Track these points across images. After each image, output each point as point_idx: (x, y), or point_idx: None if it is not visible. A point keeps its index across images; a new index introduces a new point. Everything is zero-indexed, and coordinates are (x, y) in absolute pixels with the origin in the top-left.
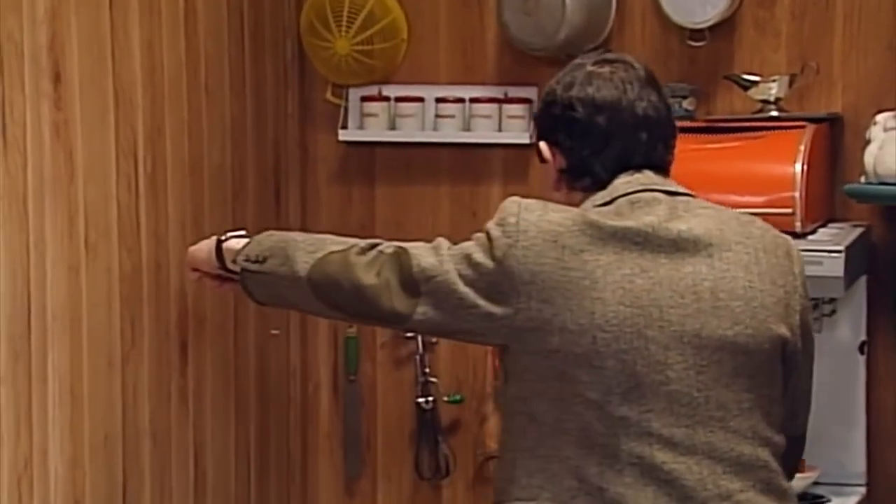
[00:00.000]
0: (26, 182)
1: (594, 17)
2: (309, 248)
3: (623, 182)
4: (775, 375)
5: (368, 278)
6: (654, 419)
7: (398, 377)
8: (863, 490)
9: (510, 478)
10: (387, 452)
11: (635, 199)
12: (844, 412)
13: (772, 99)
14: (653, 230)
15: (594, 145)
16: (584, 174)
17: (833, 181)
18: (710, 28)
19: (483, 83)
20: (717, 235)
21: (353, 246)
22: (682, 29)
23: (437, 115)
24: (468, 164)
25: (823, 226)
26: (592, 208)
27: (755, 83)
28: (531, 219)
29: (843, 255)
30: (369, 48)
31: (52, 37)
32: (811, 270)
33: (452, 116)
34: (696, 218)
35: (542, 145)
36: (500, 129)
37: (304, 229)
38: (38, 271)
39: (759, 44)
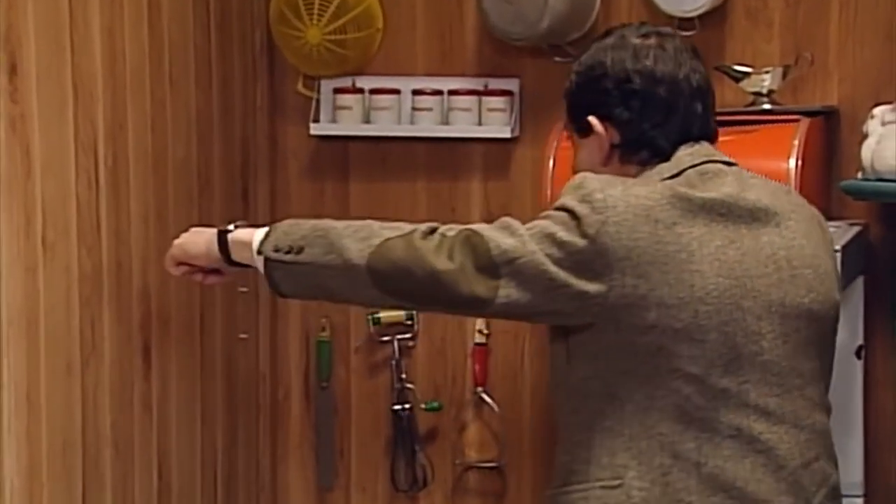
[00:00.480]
0: None
1: (578, 4)
2: (358, 235)
3: (686, 154)
4: (832, 343)
5: (442, 263)
6: (752, 390)
7: (373, 383)
8: (860, 500)
9: (586, 458)
10: (361, 462)
11: (703, 170)
12: (841, 419)
13: (764, 91)
14: (734, 201)
15: (655, 118)
16: (642, 147)
17: (829, 178)
18: (700, 17)
19: (462, 74)
20: (778, 205)
21: (412, 230)
22: (670, 17)
23: (414, 108)
24: (447, 159)
25: None
26: (660, 181)
27: (747, 75)
28: (616, 194)
29: (839, 254)
30: (342, 37)
31: (7, 27)
32: None
33: (430, 109)
34: (755, 188)
35: (593, 120)
36: (480, 123)
37: None
38: None
39: (751, 33)
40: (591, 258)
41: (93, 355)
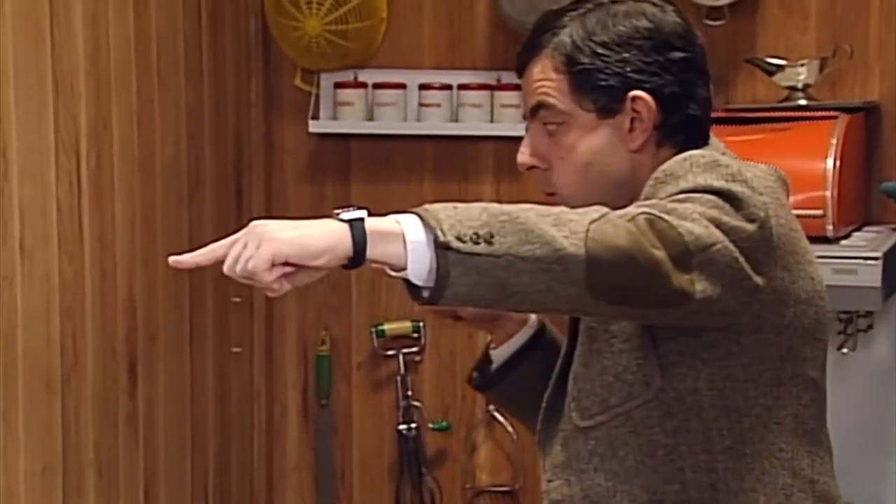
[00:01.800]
0: None
1: None
2: (552, 220)
3: (714, 137)
4: None
5: (657, 252)
6: None
7: (377, 401)
8: None
9: (710, 484)
10: (364, 486)
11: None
12: (880, 440)
13: (800, 86)
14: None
15: (697, 91)
16: (684, 126)
17: (868, 179)
18: (731, 6)
19: (473, 68)
20: None
21: (607, 213)
22: (698, 7)
23: (421, 104)
24: (456, 158)
25: (858, 229)
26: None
27: (781, 68)
28: (747, 170)
29: (880, 262)
30: (343, 28)
31: None
32: (844, 280)
33: (438, 105)
34: None
35: (644, 95)
36: (491, 120)
37: None
38: None
39: (785, 24)
40: (757, 245)
41: (74, 371)
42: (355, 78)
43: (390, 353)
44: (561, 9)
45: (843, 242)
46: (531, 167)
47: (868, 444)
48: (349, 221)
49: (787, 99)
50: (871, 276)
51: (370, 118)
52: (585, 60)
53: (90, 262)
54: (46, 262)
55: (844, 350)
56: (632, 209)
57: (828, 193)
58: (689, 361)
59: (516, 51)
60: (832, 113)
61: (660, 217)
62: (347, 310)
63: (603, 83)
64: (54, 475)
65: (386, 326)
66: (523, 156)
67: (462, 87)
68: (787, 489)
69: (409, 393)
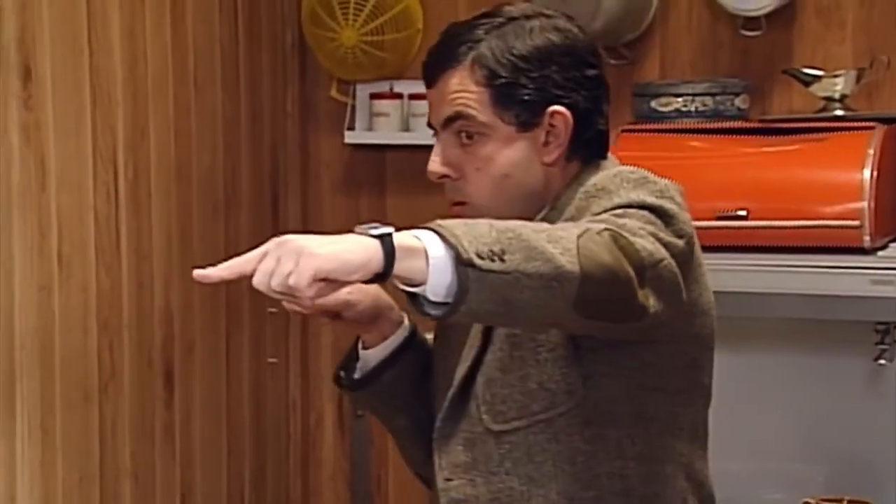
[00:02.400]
0: None
1: (634, 3)
2: (546, 237)
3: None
4: None
5: (628, 268)
6: None
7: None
8: None
9: (622, 490)
10: (400, 496)
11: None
12: None
13: (836, 96)
14: None
15: (603, 106)
16: (594, 140)
17: None
18: (767, 16)
19: None
20: None
21: (586, 230)
22: (734, 17)
23: None
24: None
25: (895, 240)
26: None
27: (818, 78)
28: (668, 186)
29: None
30: (380, 39)
31: (21, 28)
32: (881, 291)
33: None
34: None
35: (561, 109)
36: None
37: None
38: (4, 291)
39: (822, 34)
40: (685, 260)
41: (111, 381)
42: (391, 89)
43: None
44: (471, 21)
45: (880, 253)
46: (443, 176)
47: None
48: (380, 237)
49: (823, 109)
50: None
51: (406, 129)
52: (507, 75)
53: (127, 273)
54: (84, 273)
55: (882, 361)
56: (592, 224)
57: (865, 204)
58: (609, 371)
59: (424, 61)
60: (869, 123)
61: (620, 233)
62: None
63: (525, 97)
64: (91, 485)
65: None
66: (435, 164)
67: None
68: (684, 492)
69: None
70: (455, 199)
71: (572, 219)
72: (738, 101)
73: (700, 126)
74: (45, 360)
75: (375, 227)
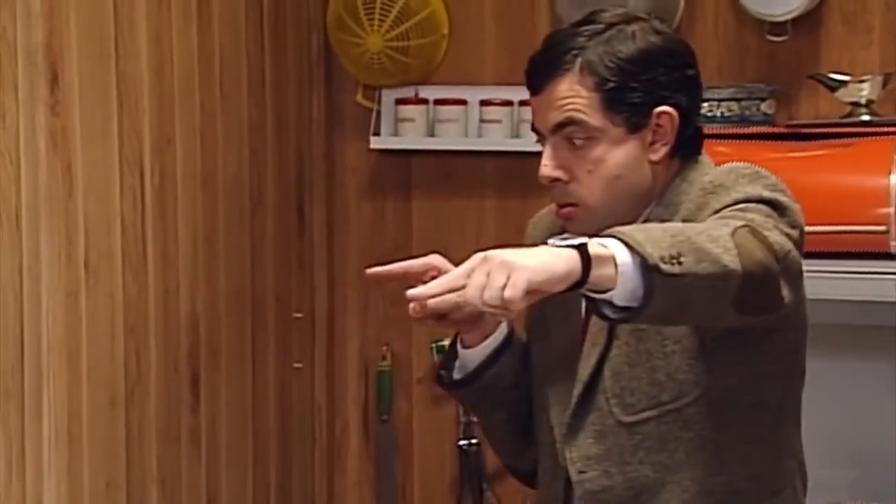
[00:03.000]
0: (19, 197)
1: (660, 8)
2: (706, 238)
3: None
4: None
5: (773, 263)
6: None
7: (437, 416)
8: None
9: (752, 474)
10: (424, 501)
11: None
12: None
13: (863, 101)
14: None
15: (699, 105)
16: (695, 139)
17: None
18: (793, 21)
19: None
20: None
21: (735, 227)
22: (760, 22)
23: (482, 120)
24: (516, 174)
25: None
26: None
27: (844, 83)
28: (779, 180)
29: None
30: (405, 44)
31: (48, 33)
32: None
33: (499, 121)
34: None
35: (670, 110)
36: (535, 140)
37: (329, 249)
38: (31, 298)
39: (848, 39)
40: (800, 250)
41: (138, 387)
42: (416, 94)
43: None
44: (572, 30)
45: None
46: (554, 180)
47: None
48: (577, 248)
49: (849, 115)
50: None
51: (431, 134)
52: (616, 79)
53: (153, 279)
54: (111, 279)
55: None
56: (730, 220)
57: (891, 209)
58: (730, 359)
59: (528, 68)
60: (895, 129)
61: (754, 228)
62: (408, 326)
63: (635, 100)
64: (118, 490)
65: (446, 342)
66: (547, 169)
67: (523, 102)
68: (793, 473)
69: None
70: (563, 201)
71: (691, 214)
72: (764, 107)
73: (726, 131)
74: (71, 365)
75: (566, 238)
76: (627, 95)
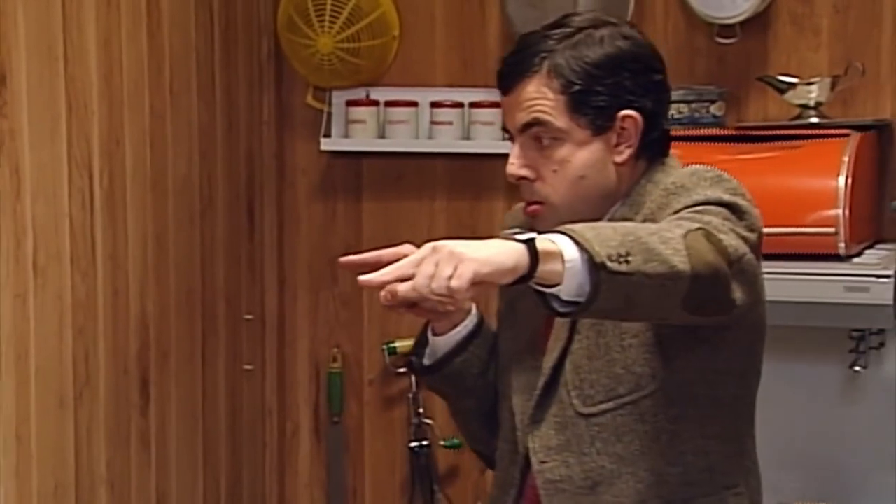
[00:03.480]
0: None
1: (609, 9)
2: (658, 239)
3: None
4: None
5: (725, 265)
6: None
7: (388, 418)
8: None
9: (707, 467)
10: (376, 503)
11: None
12: (890, 457)
13: (812, 104)
14: None
15: (666, 108)
16: (661, 140)
17: (880, 196)
18: (742, 23)
19: (485, 86)
20: None
21: (689, 229)
22: (709, 24)
23: (433, 122)
24: (467, 176)
25: (870, 247)
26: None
27: (792, 86)
28: (740, 185)
29: (892, 280)
30: (356, 46)
31: None
32: (856, 298)
33: (450, 123)
34: None
35: (634, 114)
36: (503, 138)
37: (280, 249)
38: None
39: (796, 41)
40: (757, 253)
41: (87, 388)
42: (367, 96)
43: (402, 370)
44: (542, 33)
45: (856, 260)
46: (521, 178)
47: (878, 462)
48: (526, 242)
49: (798, 117)
50: (884, 293)
51: (382, 136)
52: (582, 82)
53: (103, 281)
54: (59, 280)
55: (857, 368)
56: (686, 222)
57: (839, 211)
58: (686, 355)
59: (500, 69)
60: (844, 131)
61: (710, 231)
62: (359, 327)
63: (599, 104)
64: (67, 493)
65: (397, 344)
66: (514, 167)
67: (474, 104)
68: (746, 471)
69: (421, 410)
70: (531, 199)
71: (652, 214)
72: (713, 109)
73: (676, 133)
74: (20, 367)
75: (519, 233)
76: (592, 99)
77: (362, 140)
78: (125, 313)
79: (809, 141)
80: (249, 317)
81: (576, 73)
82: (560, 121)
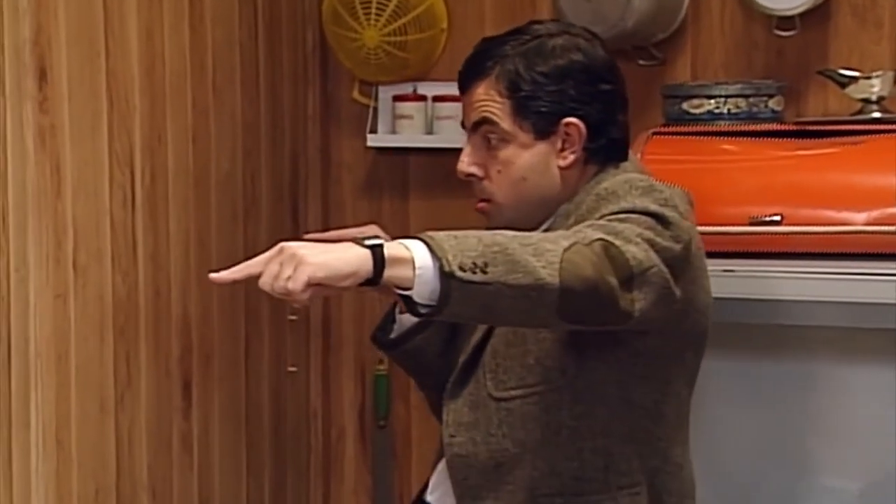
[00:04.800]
0: (6, 196)
1: (665, 2)
2: (532, 251)
3: (631, 154)
4: None
5: (611, 279)
6: None
7: (436, 422)
8: None
9: (602, 466)
10: None
11: (646, 170)
12: None
13: (873, 98)
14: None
15: (618, 114)
16: (608, 146)
17: None
18: (801, 15)
19: None
20: None
21: (575, 242)
22: (768, 17)
23: None
24: None
25: None
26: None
27: (854, 80)
28: (675, 197)
29: None
30: (403, 39)
31: (36, 29)
32: None
33: None
34: None
35: (574, 120)
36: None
37: None
38: (18, 300)
39: (858, 34)
40: (680, 263)
41: (128, 391)
42: (414, 90)
43: None
44: (501, 38)
45: None
46: (469, 175)
47: None
48: (371, 248)
49: (860, 112)
50: None
51: (429, 132)
52: (527, 89)
53: (144, 281)
54: (100, 281)
55: None
56: (588, 232)
57: None
58: (602, 356)
59: (460, 69)
60: None
61: (612, 243)
62: None
63: (542, 109)
64: (107, 498)
65: None
66: (464, 165)
67: None
68: (655, 474)
69: None
70: (480, 197)
71: (583, 217)
72: (772, 103)
73: (733, 129)
74: (60, 369)
75: (371, 239)
76: (535, 104)
77: (409, 136)
78: (167, 314)
79: (871, 136)
80: (294, 317)
81: (522, 80)
82: (505, 123)
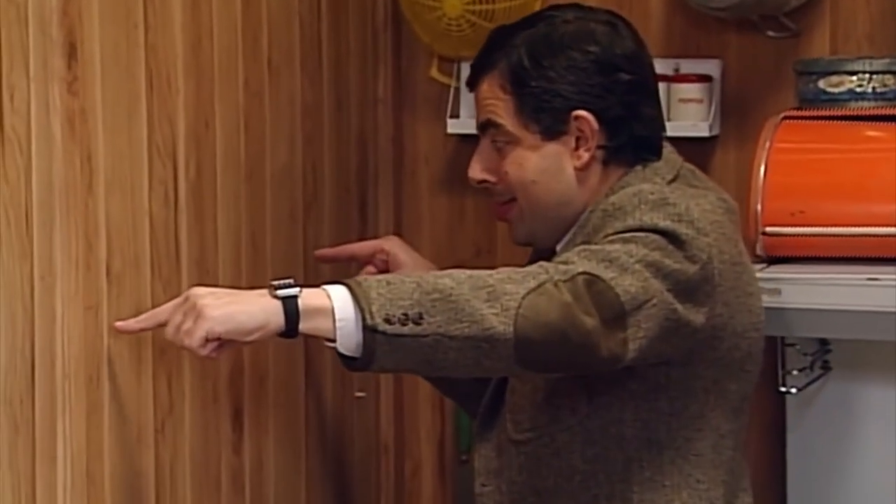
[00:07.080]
0: (30, 192)
1: None
2: (481, 294)
3: (670, 151)
4: None
5: (589, 321)
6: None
7: None
8: None
9: None
10: None
11: (689, 167)
12: None
13: None
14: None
15: (645, 110)
16: (632, 146)
17: None
18: None
19: None
20: None
21: (545, 280)
22: None
23: None
24: None
25: None
26: (665, 184)
27: None
28: (695, 209)
29: None
30: (489, 8)
31: None
32: None
33: None
34: None
35: (587, 116)
36: (668, 117)
37: None
38: (43, 312)
39: None
40: (698, 286)
41: (169, 419)
42: None
43: None
44: (513, 25)
45: None
46: (482, 182)
47: None
48: (283, 298)
49: None
50: None
51: None
52: (531, 83)
53: (187, 289)
54: (137, 290)
55: None
56: (575, 263)
57: None
58: (616, 392)
59: (471, 63)
60: None
61: (598, 277)
62: None
63: (548, 106)
64: None
65: None
66: (475, 171)
67: None
68: None
69: None
70: (500, 200)
71: (588, 237)
72: None
73: (879, 111)
74: (91, 393)
75: (285, 287)
76: (540, 101)
77: None
78: None
79: None
80: (361, 394)
81: (526, 72)
82: (509, 123)
